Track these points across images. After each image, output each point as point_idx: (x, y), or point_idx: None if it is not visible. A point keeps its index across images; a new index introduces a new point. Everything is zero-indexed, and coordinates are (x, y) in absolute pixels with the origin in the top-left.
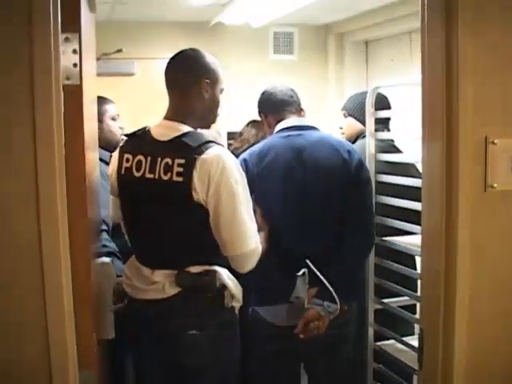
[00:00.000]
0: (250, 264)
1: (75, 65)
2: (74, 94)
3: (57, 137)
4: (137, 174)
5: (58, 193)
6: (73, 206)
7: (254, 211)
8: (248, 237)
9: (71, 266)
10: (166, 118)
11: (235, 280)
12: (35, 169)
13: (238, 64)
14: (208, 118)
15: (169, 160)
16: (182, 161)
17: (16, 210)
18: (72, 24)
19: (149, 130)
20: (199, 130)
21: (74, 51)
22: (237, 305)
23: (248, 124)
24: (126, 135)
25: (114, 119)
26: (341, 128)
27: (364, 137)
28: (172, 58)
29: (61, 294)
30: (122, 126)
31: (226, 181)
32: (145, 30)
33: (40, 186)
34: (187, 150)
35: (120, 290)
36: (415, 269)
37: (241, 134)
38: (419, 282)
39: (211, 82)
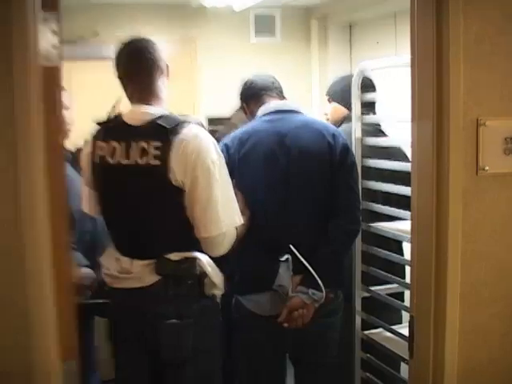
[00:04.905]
0: (222, 248)
1: (54, 46)
2: (53, 76)
3: (37, 122)
4: (111, 161)
5: (38, 180)
6: (52, 193)
7: (236, 197)
8: (221, 220)
9: (52, 255)
10: (135, 103)
11: (216, 267)
12: (14, 155)
13: (219, 47)
14: (166, 101)
15: (144, 144)
16: (159, 143)
17: None
18: (51, 3)
19: (120, 116)
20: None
21: (54, 32)
22: (218, 293)
23: (239, 109)
24: (97, 123)
25: None
26: (326, 114)
27: (349, 121)
28: (130, 46)
29: (43, 283)
30: None
31: (202, 161)
32: (123, 13)
33: (19, 173)
34: (163, 132)
35: (81, 283)
36: (402, 255)
37: (230, 119)
38: (407, 268)
39: (168, 67)
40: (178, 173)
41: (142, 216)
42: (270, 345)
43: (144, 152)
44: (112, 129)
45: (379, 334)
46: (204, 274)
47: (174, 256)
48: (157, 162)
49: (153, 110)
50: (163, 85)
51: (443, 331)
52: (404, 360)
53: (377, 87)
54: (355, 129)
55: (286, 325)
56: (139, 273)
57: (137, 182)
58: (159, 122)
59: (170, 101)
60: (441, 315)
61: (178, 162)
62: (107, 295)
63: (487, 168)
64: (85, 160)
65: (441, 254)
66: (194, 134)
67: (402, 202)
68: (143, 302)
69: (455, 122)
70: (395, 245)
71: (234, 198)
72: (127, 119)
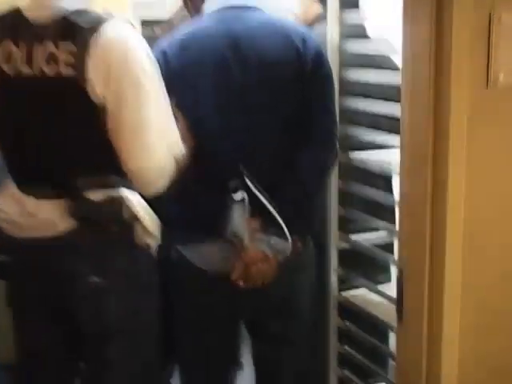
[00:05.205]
0: (156, 184)
1: None
2: None
3: None
4: (7, 70)
5: None
6: None
7: (176, 119)
8: (155, 147)
9: None
10: None
11: (150, 210)
12: None
13: None
14: None
15: (52, 47)
16: (72, 47)
17: None
18: None
19: (19, 10)
20: None
21: None
22: (153, 242)
23: (182, 7)
24: None
25: None
26: (294, 14)
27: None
28: None
29: None
30: None
31: (129, 70)
32: None
33: None
34: (78, 33)
35: None
36: (391, 194)
37: (170, 21)
38: (397, 211)
39: None
40: (97, 85)
41: (51, 141)
42: (220, 309)
43: (52, 58)
44: (7, 26)
45: (361, 295)
46: (134, 219)
47: (95, 194)
48: (70, 72)
49: (64, 3)
50: None
51: (441, 288)
52: (392, 328)
53: None
54: (332, 31)
55: (241, 283)
56: (48, 217)
57: (43, 97)
58: (73, 18)
59: None
60: (438, 268)
61: (98, 71)
62: (5, 248)
63: (501, 77)
64: None
65: (438, 191)
66: (120, 34)
67: (392, 125)
68: (55, 256)
69: (460, 17)
70: (382, 181)
71: (173, 119)
72: (29, 14)
